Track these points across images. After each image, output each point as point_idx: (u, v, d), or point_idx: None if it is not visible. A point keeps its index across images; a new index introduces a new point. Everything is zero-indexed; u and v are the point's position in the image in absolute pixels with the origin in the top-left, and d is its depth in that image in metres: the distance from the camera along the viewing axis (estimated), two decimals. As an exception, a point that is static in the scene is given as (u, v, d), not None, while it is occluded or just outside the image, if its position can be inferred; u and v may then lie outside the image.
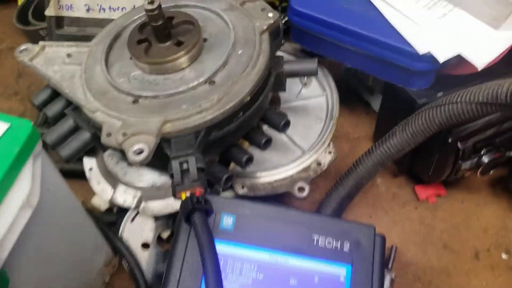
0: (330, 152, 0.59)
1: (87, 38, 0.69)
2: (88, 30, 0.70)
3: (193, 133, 0.45)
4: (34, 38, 0.77)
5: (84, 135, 0.50)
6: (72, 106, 0.52)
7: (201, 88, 0.47)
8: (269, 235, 0.46)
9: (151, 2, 0.47)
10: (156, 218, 0.58)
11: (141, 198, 0.54)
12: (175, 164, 0.43)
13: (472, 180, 0.63)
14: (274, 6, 0.70)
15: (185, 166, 0.43)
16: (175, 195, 0.42)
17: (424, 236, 0.59)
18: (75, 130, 0.51)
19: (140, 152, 0.43)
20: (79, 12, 0.69)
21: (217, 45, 0.51)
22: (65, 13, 0.69)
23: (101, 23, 0.70)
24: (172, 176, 0.43)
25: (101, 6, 0.69)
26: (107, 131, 0.46)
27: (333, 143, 0.59)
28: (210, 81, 0.47)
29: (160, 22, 0.48)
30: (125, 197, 0.54)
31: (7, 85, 0.75)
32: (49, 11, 0.68)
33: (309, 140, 0.60)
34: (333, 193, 0.56)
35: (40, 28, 0.75)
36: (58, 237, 0.42)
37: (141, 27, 0.51)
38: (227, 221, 0.46)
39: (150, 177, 0.55)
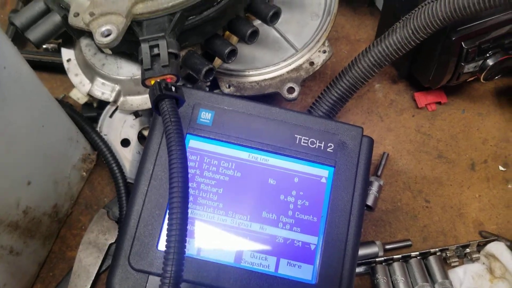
0: (324, 51, 0.54)
1: None
2: None
3: (167, 16, 0.41)
4: None
5: (54, 18, 0.46)
6: (43, -13, 0.47)
7: (177, -36, 0.42)
8: (249, 133, 0.43)
9: None
10: (138, 115, 0.55)
11: (119, 92, 0.51)
12: (144, 47, 0.39)
13: (475, 88, 0.59)
14: None
15: (155, 50, 0.39)
16: (144, 82, 0.39)
17: (419, 145, 0.56)
18: (46, 13, 0.47)
19: (108, 34, 0.40)
20: None
21: None
22: None
23: None
24: (141, 61, 0.39)
25: None
26: (74, 10, 0.42)
27: (328, 42, 0.54)
28: (187, -43, 0.42)
29: None
30: (102, 89, 0.51)
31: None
32: None
33: (303, 38, 0.55)
34: (325, 94, 0.52)
35: None
36: (21, 121, 0.39)
37: None
38: (205, 116, 0.43)
39: (129, 70, 0.51)
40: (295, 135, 0.43)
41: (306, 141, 0.43)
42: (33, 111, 0.41)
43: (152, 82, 0.38)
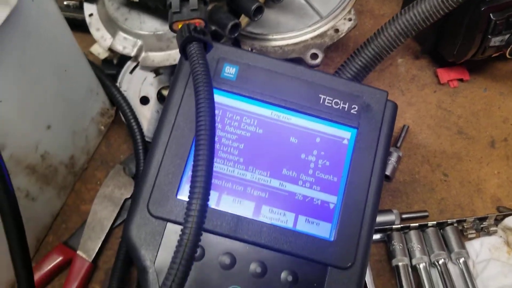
0: (350, 19, 0.53)
1: None
2: None
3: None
4: None
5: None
6: None
7: None
8: (273, 90, 0.42)
9: None
10: (158, 73, 0.54)
11: (141, 47, 0.51)
12: None
13: (498, 68, 0.58)
14: None
15: (184, -7, 0.38)
16: (172, 26, 0.38)
17: (439, 120, 0.55)
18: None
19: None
20: None
21: None
22: None
23: None
24: (170, 4, 0.38)
25: None
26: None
27: (354, 10, 0.53)
28: None
29: None
30: (124, 44, 0.51)
31: None
32: None
33: (329, 5, 0.55)
34: (348, 63, 0.51)
35: None
36: (46, 61, 0.39)
37: None
38: (230, 70, 0.43)
39: (152, 25, 0.50)
40: (319, 95, 0.43)
41: (330, 101, 0.43)
42: (57, 53, 0.41)
43: (180, 26, 0.37)
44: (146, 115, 0.53)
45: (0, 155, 0.29)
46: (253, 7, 0.45)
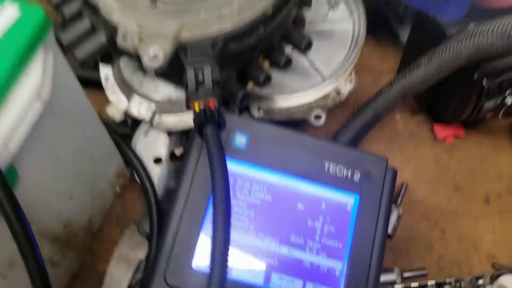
0: (351, 82, 0.56)
1: None
2: None
3: (211, 42, 0.43)
4: None
5: (100, 38, 0.48)
6: (90, 6, 0.50)
7: (223, -5, 0.44)
8: (280, 158, 0.45)
9: None
10: (170, 133, 0.57)
11: (155, 111, 0.53)
12: (190, 72, 0.41)
13: (492, 124, 0.61)
14: None
15: (200, 76, 0.41)
16: (188, 105, 0.41)
17: (437, 177, 0.58)
18: (91, 31, 0.49)
19: (156, 57, 0.42)
20: None
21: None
22: None
23: None
24: (186, 85, 0.41)
25: None
26: (123, 33, 0.44)
27: (355, 72, 0.56)
28: (231, -12, 0.44)
29: None
30: (139, 108, 0.53)
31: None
32: None
33: (331, 66, 0.57)
34: (350, 123, 0.54)
35: None
36: (70, 138, 0.41)
37: None
38: (240, 139, 0.45)
39: (166, 90, 0.53)
40: (324, 163, 0.45)
41: (334, 169, 0.45)
42: (80, 127, 0.44)
43: (196, 104, 0.40)
44: (159, 174, 0.55)
45: (35, 242, 0.31)
46: (262, 77, 0.48)
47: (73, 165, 0.44)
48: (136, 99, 0.54)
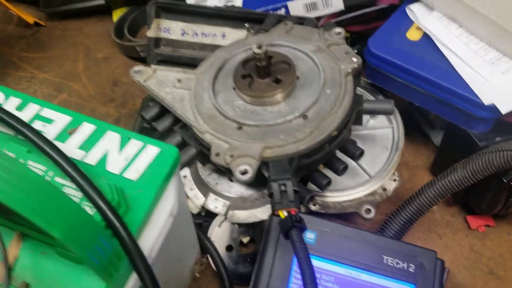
0: (395, 180, 0.66)
1: (180, 58, 0.79)
2: (181, 51, 0.79)
3: (288, 160, 0.53)
4: (129, 51, 0.87)
5: (191, 151, 0.59)
6: (180, 124, 0.61)
7: (295, 121, 0.55)
8: (345, 252, 0.54)
9: (259, 47, 0.56)
10: (239, 224, 0.66)
11: (229, 207, 0.63)
12: (274, 185, 0.51)
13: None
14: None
15: (282, 187, 0.51)
16: (274, 212, 0.50)
17: (473, 262, 0.66)
18: (182, 145, 0.60)
19: (245, 172, 0.52)
20: (175, 35, 0.79)
21: (308, 83, 0.59)
22: (163, 35, 0.79)
23: (193, 45, 0.79)
24: (271, 195, 0.51)
25: (194, 31, 0.78)
26: (215, 151, 0.55)
27: (397, 172, 0.66)
28: (303, 115, 0.55)
29: (263, 63, 0.57)
30: (215, 204, 0.63)
31: (104, 92, 0.84)
32: (150, 33, 0.77)
33: (376, 167, 0.68)
34: (396, 217, 0.63)
35: (137, 45, 0.84)
36: (178, 239, 0.51)
37: (244, 63, 0.60)
38: (310, 236, 0.55)
39: (238, 189, 0.63)
40: (383, 256, 0.54)
41: (392, 261, 0.54)
42: (184, 226, 0.53)
43: (280, 212, 0.50)
44: (230, 260, 0.64)
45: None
46: (324, 182, 0.58)
47: (169, 256, 0.53)
48: (212, 196, 0.64)
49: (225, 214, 0.63)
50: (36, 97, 0.48)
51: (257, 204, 0.63)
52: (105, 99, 0.84)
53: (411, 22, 0.66)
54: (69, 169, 0.39)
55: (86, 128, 0.46)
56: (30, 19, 0.90)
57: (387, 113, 0.60)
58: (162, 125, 0.62)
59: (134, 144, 0.45)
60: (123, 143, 0.45)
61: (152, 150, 0.44)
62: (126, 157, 0.44)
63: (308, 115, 0.55)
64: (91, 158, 0.44)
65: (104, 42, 0.91)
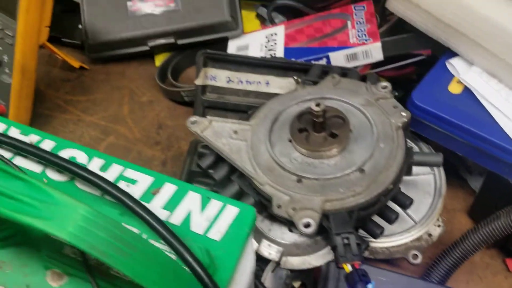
0: (439, 226, 0.69)
1: (225, 104, 0.82)
2: (226, 97, 0.83)
3: (348, 213, 0.57)
4: (173, 95, 0.90)
5: (249, 201, 0.62)
6: (237, 174, 0.64)
7: (353, 175, 0.58)
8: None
9: (318, 105, 0.59)
10: (291, 271, 0.69)
11: (283, 253, 0.66)
12: (338, 238, 0.54)
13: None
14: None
15: (345, 241, 0.54)
16: (338, 265, 0.53)
17: (514, 304, 0.69)
18: (239, 194, 0.63)
19: (308, 225, 0.55)
20: (221, 82, 0.82)
21: (361, 137, 0.62)
22: (210, 82, 0.82)
23: (237, 92, 0.83)
24: (335, 248, 0.54)
25: (239, 79, 0.82)
26: (277, 203, 0.58)
27: (441, 217, 0.69)
28: (360, 169, 0.59)
29: (320, 120, 0.60)
30: (269, 250, 0.66)
31: (149, 135, 0.88)
32: (198, 81, 0.81)
33: (419, 212, 0.70)
34: (441, 262, 0.66)
35: (183, 90, 0.88)
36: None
37: (299, 116, 0.64)
38: (369, 286, 0.58)
39: (291, 236, 0.66)
40: (438, 304, 0.57)
41: (446, 309, 0.57)
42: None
43: (345, 266, 0.53)
44: (282, 304, 0.67)
45: None
46: (379, 231, 0.61)
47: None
48: (265, 242, 0.66)
49: (279, 261, 0.66)
50: (117, 158, 0.51)
51: (310, 250, 0.66)
52: (151, 142, 0.87)
53: (451, 76, 0.70)
54: (165, 233, 0.42)
55: (169, 189, 0.49)
56: (76, 63, 0.93)
57: (436, 165, 0.64)
58: (219, 174, 0.65)
59: (215, 204, 0.48)
60: (204, 203, 0.48)
61: (232, 210, 0.47)
62: (208, 217, 0.47)
63: (365, 169, 0.58)
64: (176, 218, 0.47)
65: (147, 85, 0.95)
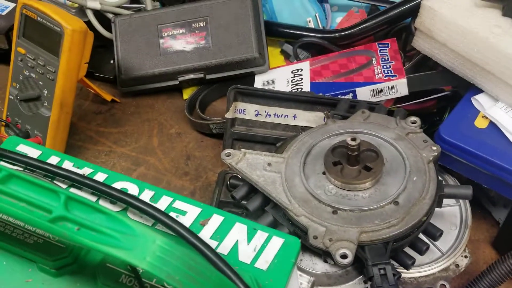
0: (466, 256, 0.71)
1: (253, 137, 0.85)
2: (254, 130, 0.86)
3: (383, 244, 0.58)
4: (202, 128, 0.94)
5: (284, 231, 0.64)
6: (271, 204, 0.66)
7: (388, 207, 0.60)
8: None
9: (354, 140, 0.62)
10: (322, 299, 0.70)
11: (313, 283, 0.67)
12: (375, 269, 0.56)
13: None
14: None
15: (382, 271, 0.56)
16: (379, 292, 0.55)
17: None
18: (273, 225, 0.65)
19: (345, 256, 0.57)
20: (249, 115, 0.85)
21: (393, 170, 0.65)
22: (239, 115, 0.85)
23: (265, 125, 0.86)
24: (371, 279, 0.56)
25: (267, 112, 0.85)
26: (313, 234, 0.60)
27: (468, 248, 0.71)
28: (395, 202, 0.61)
29: (356, 153, 0.63)
30: (300, 280, 0.67)
31: (178, 166, 0.90)
32: (228, 114, 0.84)
33: (446, 243, 0.72)
34: (468, 294, 0.68)
35: (211, 123, 0.91)
36: None
37: (333, 150, 0.66)
38: (403, 313, 0.59)
39: (322, 266, 0.68)
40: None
41: None
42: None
43: (386, 296, 0.54)
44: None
45: None
46: (410, 262, 0.63)
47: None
48: (296, 272, 0.68)
49: (310, 290, 0.67)
50: (166, 189, 0.53)
51: (342, 280, 0.67)
52: (180, 173, 0.89)
53: (477, 111, 0.73)
54: (219, 263, 0.44)
55: (216, 220, 0.51)
56: (108, 97, 0.97)
57: (465, 198, 0.66)
58: (253, 205, 0.67)
59: (261, 235, 0.50)
60: (250, 234, 0.50)
61: (277, 241, 0.49)
62: (254, 247, 0.49)
63: (399, 201, 0.61)
64: (224, 248, 0.49)
65: (176, 118, 0.98)
